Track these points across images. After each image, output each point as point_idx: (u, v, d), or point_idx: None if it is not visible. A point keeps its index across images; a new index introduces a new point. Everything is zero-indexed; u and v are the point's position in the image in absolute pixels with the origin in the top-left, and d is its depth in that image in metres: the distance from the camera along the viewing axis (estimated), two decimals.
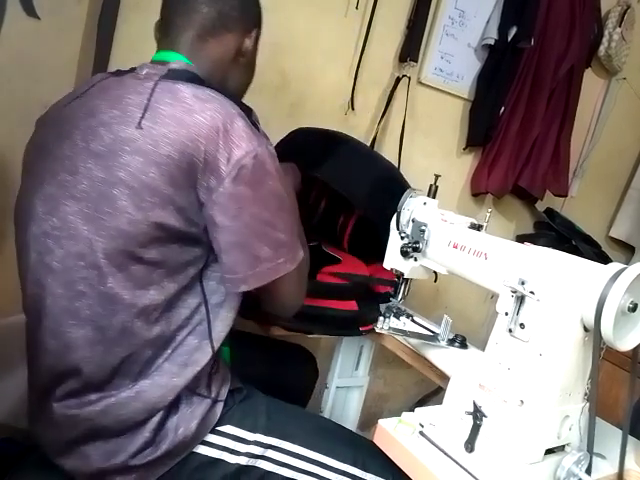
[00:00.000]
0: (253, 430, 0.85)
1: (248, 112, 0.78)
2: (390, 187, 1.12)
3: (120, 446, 0.76)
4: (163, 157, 0.70)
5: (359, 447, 0.91)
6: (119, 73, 0.83)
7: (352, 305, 1.13)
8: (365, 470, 0.88)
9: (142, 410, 0.76)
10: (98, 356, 0.75)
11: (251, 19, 0.91)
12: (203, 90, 0.75)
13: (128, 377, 0.76)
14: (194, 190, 0.72)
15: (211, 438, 0.82)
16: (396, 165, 1.74)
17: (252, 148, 0.72)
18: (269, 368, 1.15)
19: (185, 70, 0.80)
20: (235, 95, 0.82)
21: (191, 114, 0.71)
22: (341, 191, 1.15)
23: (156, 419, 0.77)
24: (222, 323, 0.81)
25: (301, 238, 0.92)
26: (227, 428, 0.83)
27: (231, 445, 0.83)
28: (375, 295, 1.22)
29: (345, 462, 0.88)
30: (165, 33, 0.87)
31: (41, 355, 0.78)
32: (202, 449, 0.81)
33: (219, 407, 0.83)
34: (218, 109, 0.73)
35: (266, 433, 0.85)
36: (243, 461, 0.83)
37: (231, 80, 0.91)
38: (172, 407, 0.79)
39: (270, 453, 0.85)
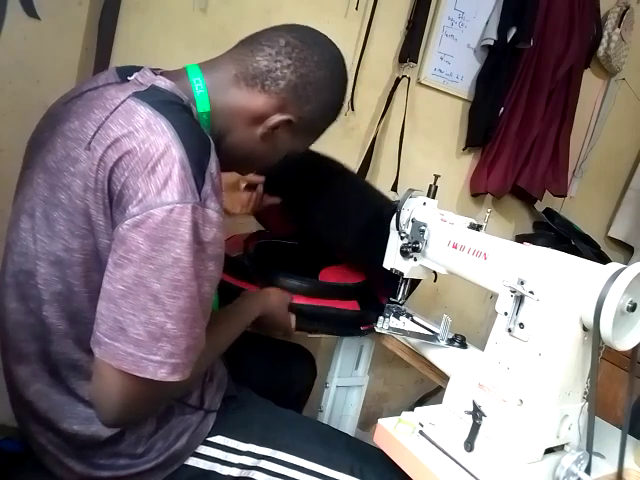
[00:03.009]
0: (246, 440, 0.83)
1: (203, 162, 0.65)
2: (372, 232, 1.08)
3: (107, 454, 0.74)
4: (98, 182, 0.64)
5: (356, 454, 0.90)
6: (123, 79, 0.74)
7: (354, 305, 1.13)
8: (362, 478, 0.86)
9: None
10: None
11: (301, 102, 0.78)
12: (161, 120, 0.65)
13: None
14: (114, 222, 0.65)
15: (202, 449, 0.80)
16: (395, 166, 1.75)
17: (172, 200, 0.60)
18: (268, 367, 1.14)
19: (167, 91, 0.71)
20: (215, 141, 0.69)
21: (131, 140, 0.63)
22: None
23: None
24: None
25: (208, 354, 0.74)
26: (218, 439, 0.82)
27: (222, 456, 0.81)
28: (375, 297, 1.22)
29: (341, 471, 0.86)
30: (235, 47, 0.79)
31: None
32: (192, 461, 0.80)
33: (211, 418, 0.82)
34: (159, 144, 0.62)
35: (260, 443, 0.84)
36: (235, 473, 0.82)
37: (233, 137, 0.78)
38: (161, 419, 0.77)
39: (264, 464, 0.84)
